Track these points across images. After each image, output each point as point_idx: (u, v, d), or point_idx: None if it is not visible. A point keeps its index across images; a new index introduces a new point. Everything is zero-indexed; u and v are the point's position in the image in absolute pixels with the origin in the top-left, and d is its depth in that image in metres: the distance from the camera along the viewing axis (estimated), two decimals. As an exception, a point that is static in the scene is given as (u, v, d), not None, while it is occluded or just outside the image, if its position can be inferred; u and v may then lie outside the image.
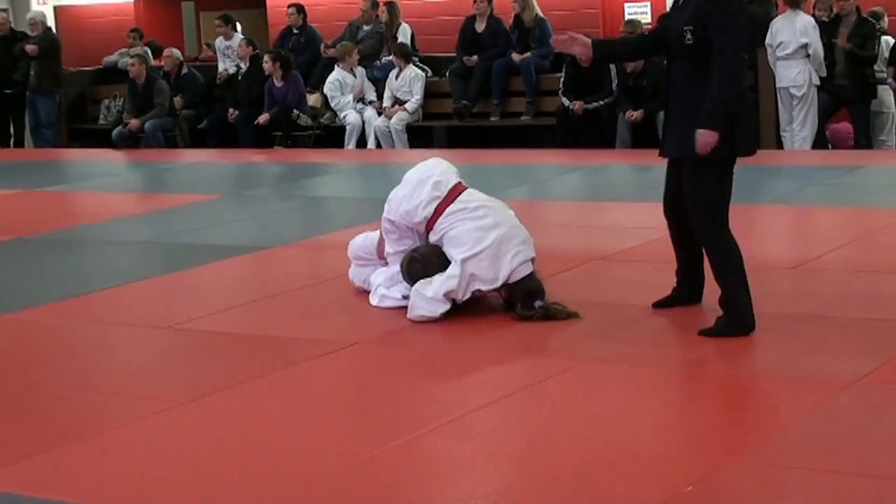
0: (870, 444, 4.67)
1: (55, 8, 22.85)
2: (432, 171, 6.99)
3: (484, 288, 6.70)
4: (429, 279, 6.71)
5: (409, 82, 16.11)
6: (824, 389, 5.28)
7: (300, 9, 17.58)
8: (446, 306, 6.70)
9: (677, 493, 4.26)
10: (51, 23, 20.10)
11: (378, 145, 16.10)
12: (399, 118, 16.00)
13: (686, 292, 6.69)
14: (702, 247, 6.33)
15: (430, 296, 6.68)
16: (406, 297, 6.84)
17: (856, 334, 6.17)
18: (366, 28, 17.15)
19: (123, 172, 15.11)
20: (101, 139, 17.64)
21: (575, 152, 14.20)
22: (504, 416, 5.29)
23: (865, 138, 14.06)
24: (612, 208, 10.25)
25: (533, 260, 6.78)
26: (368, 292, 7.20)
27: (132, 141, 16.61)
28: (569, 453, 4.72)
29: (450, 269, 6.72)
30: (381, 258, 7.22)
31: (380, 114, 16.21)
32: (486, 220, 6.75)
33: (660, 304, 6.73)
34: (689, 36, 6.07)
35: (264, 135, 16.21)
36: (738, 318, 6.15)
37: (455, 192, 6.88)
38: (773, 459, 4.55)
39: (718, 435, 4.89)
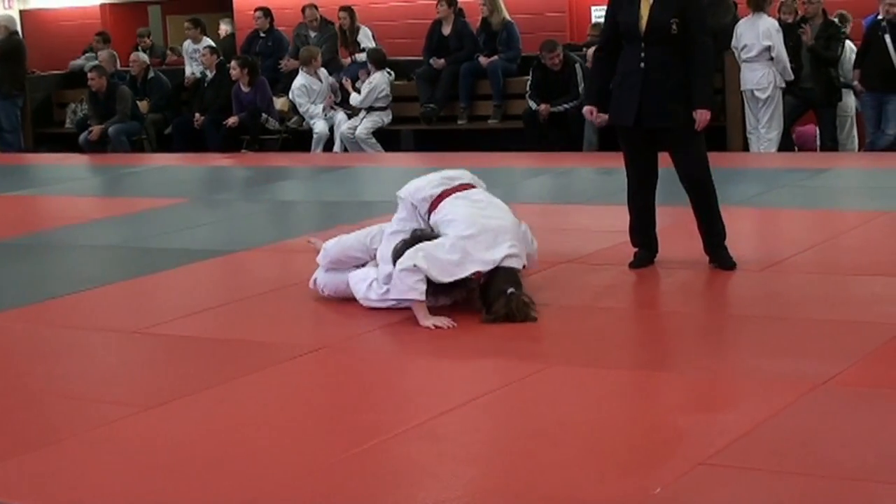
0: (837, 446, 4.69)
1: (21, 12, 22.76)
2: (447, 171, 7.20)
3: (482, 269, 6.66)
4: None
5: (366, 86, 16.07)
6: (791, 391, 5.29)
7: (267, 12, 17.57)
8: (420, 284, 6.55)
9: (646, 496, 4.27)
10: (17, 26, 19.98)
11: (345, 150, 16.08)
12: (364, 126, 15.97)
13: (652, 252, 7.80)
14: (700, 196, 7.61)
15: (405, 266, 6.56)
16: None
17: (823, 336, 6.19)
18: (313, 35, 17.11)
19: (89, 177, 15.05)
20: (67, 143, 17.55)
21: (542, 155, 14.22)
22: (472, 419, 5.28)
23: (832, 141, 14.13)
24: (579, 211, 10.27)
25: (524, 266, 6.83)
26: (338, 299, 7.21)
27: (99, 145, 16.56)
28: (537, 456, 4.72)
29: (440, 239, 6.72)
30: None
31: (349, 116, 16.19)
32: (487, 211, 6.84)
33: (637, 265, 7.72)
34: (674, 27, 7.38)
35: (232, 138, 16.18)
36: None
37: (463, 187, 7.01)
38: (741, 461, 4.56)
39: (686, 437, 4.90)
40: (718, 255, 7.61)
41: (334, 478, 4.59)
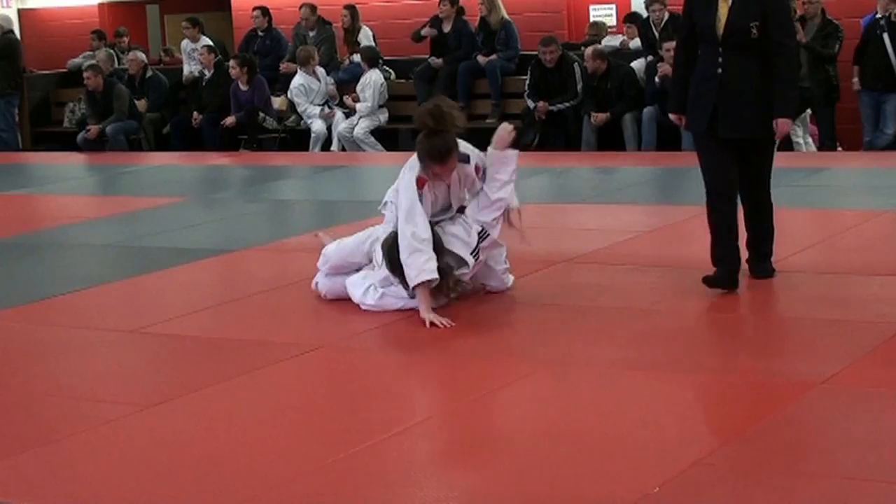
0: (835, 445, 4.69)
1: (19, 10, 22.75)
2: None
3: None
4: None
5: (364, 87, 16.06)
6: (790, 391, 5.29)
7: (265, 11, 17.57)
8: (431, 263, 6.60)
9: (644, 495, 4.26)
10: (15, 26, 19.97)
11: (343, 150, 16.08)
12: (361, 126, 15.96)
13: (735, 266, 7.22)
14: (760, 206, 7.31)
15: (411, 248, 6.63)
16: (413, 297, 6.75)
17: (822, 336, 6.19)
18: (311, 34, 17.10)
19: (87, 176, 15.03)
20: (65, 142, 17.56)
21: (540, 155, 14.21)
22: (470, 418, 5.28)
23: (830, 140, 14.13)
24: (576, 211, 10.26)
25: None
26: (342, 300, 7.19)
27: (97, 144, 16.54)
28: (535, 456, 4.72)
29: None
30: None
31: (347, 115, 16.18)
32: None
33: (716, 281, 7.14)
34: (755, 31, 6.93)
35: (230, 138, 16.18)
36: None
37: None
38: (740, 461, 4.55)
39: (685, 436, 4.89)
40: (755, 266, 7.33)
41: (333, 477, 4.59)
